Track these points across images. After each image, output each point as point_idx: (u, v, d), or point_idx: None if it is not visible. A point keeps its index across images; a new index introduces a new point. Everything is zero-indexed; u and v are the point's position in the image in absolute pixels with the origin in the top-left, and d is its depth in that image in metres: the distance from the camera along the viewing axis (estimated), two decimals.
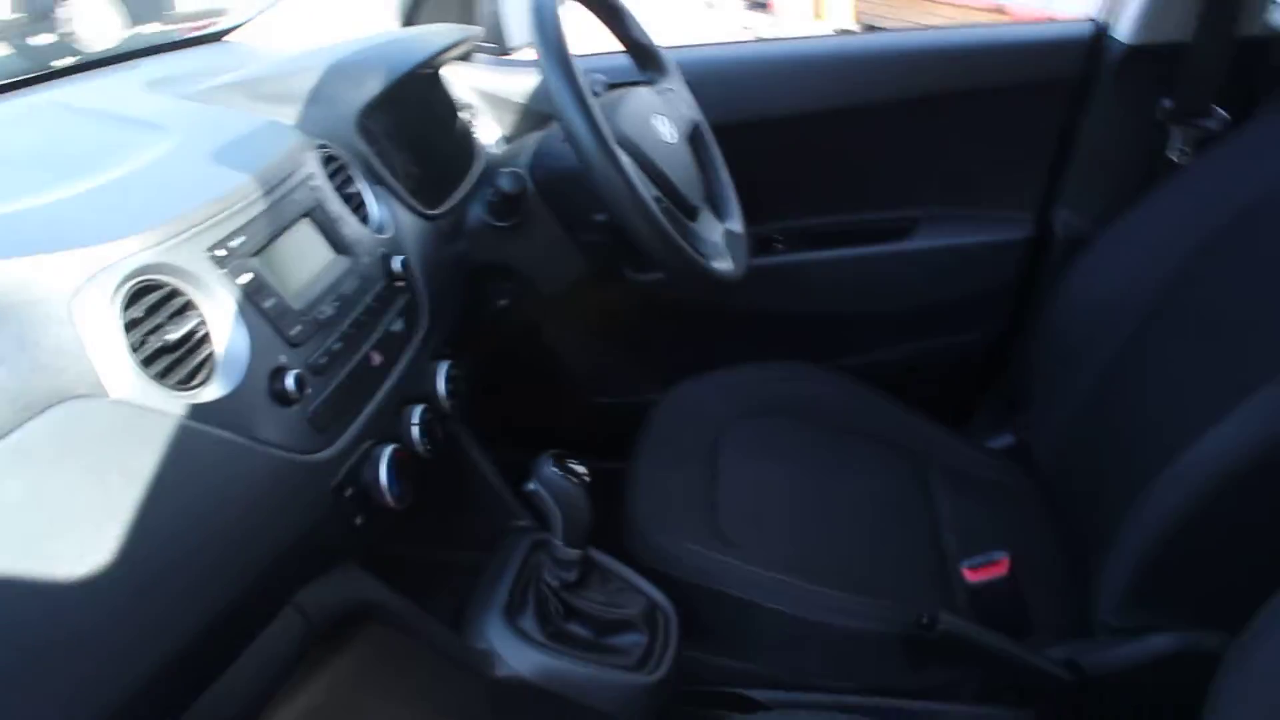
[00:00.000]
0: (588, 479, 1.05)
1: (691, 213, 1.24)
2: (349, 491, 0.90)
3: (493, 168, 1.29)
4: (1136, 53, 1.47)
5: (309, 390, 0.86)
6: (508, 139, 1.48)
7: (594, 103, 1.06)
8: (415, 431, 1.00)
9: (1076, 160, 1.56)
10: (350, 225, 1.00)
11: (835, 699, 1.19)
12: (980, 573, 1.18)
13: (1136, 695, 1.13)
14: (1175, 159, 1.46)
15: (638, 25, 1.33)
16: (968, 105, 1.55)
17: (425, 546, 1.22)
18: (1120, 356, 1.33)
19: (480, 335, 1.30)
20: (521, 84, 1.52)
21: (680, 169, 1.23)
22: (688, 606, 1.18)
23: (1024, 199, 1.62)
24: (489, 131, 1.45)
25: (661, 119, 1.25)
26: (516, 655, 1.06)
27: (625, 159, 1.07)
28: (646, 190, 1.09)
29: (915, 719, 1.20)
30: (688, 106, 1.35)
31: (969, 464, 1.48)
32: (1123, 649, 1.12)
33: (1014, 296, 1.65)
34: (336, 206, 0.99)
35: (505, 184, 1.17)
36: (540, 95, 1.50)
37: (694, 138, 1.34)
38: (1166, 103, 1.47)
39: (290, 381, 0.82)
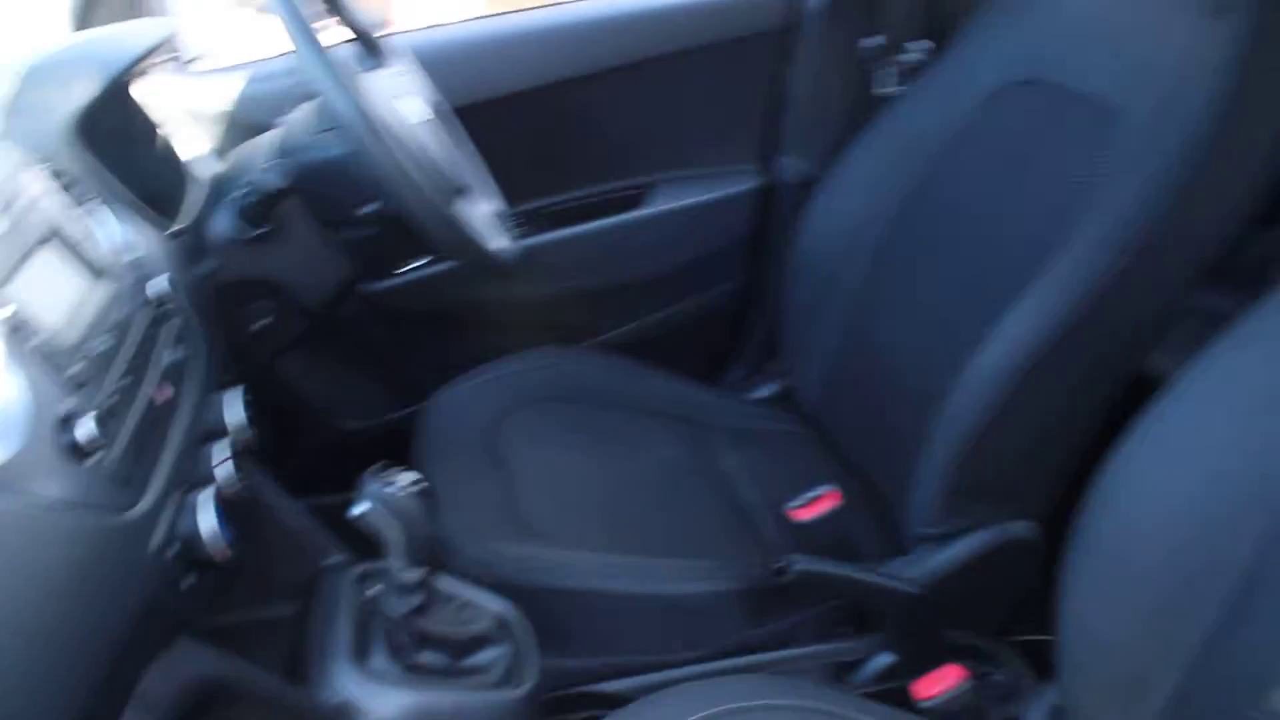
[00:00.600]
0: (424, 485, 0.95)
1: (460, 192, 1.16)
2: (172, 550, 0.77)
3: (228, 176, 1.15)
4: None
5: (105, 437, 0.71)
6: (219, 151, 1.34)
7: (355, 83, 0.97)
8: (226, 470, 0.87)
9: (792, 107, 1.61)
10: (99, 246, 0.85)
11: (691, 671, 1.17)
12: (810, 509, 1.20)
13: (965, 592, 1.18)
14: (887, 93, 1.54)
15: (359, 11, 1.24)
16: (682, 66, 1.56)
17: (235, 609, 1.07)
18: (868, 284, 1.39)
19: (245, 361, 1.15)
20: (218, 92, 1.38)
21: (440, 149, 1.15)
22: (527, 610, 1.11)
23: (748, 151, 1.66)
24: (193, 143, 1.30)
25: (408, 100, 1.16)
26: (377, 699, 0.95)
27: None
28: (423, 168, 1.01)
29: (770, 670, 1.20)
30: (425, 89, 1.27)
31: (742, 419, 1.51)
32: (946, 553, 1.18)
33: (752, 248, 1.69)
34: (79, 227, 0.84)
35: (259, 187, 1.04)
36: (249, 102, 1.36)
37: (440, 119, 1.26)
38: (870, 41, 1.55)
39: (85, 429, 0.68)
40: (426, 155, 1.10)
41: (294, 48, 0.96)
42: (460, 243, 1.06)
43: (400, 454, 1.27)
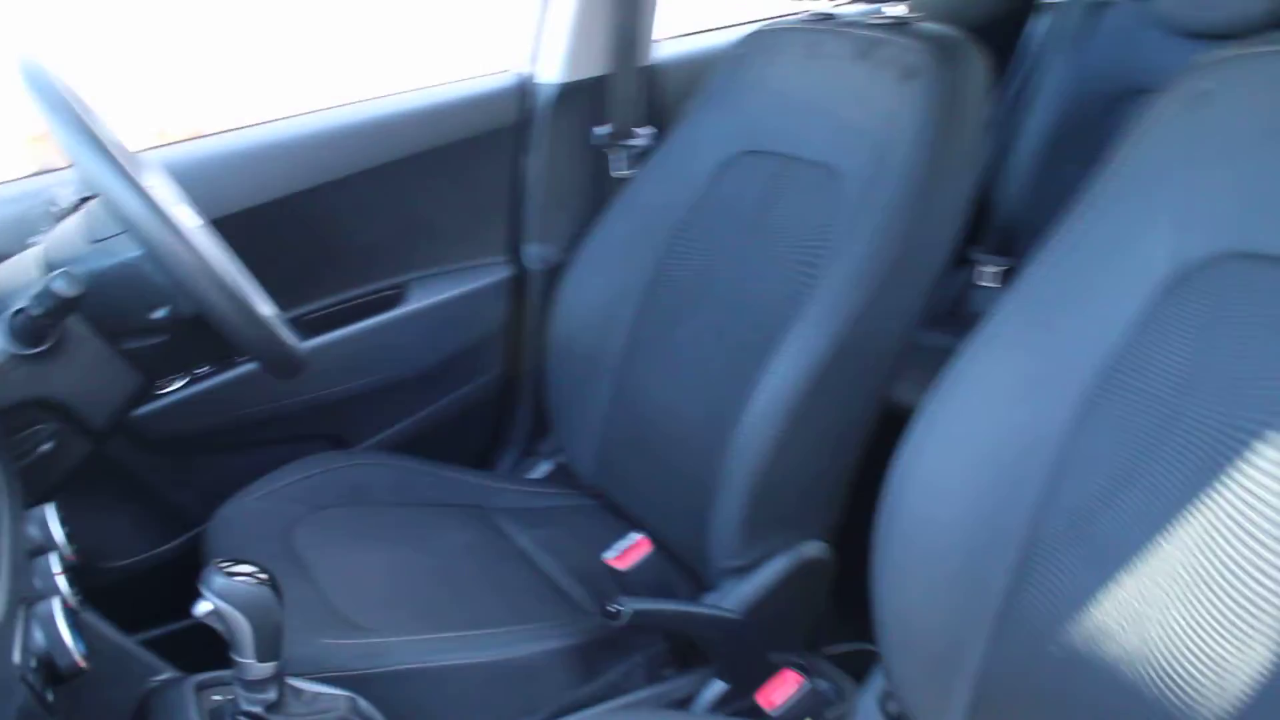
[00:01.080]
0: (266, 574, 0.92)
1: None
2: (32, 665, 0.72)
3: None
4: (564, 91, 1.65)
5: None
6: None
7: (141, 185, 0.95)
8: (63, 581, 0.82)
9: (533, 197, 1.70)
10: None
11: None
12: (625, 558, 1.25)
13: (776, 612, 1.28)
14: (623, 175, 1.66)
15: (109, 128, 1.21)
16: (426, 166, 1.62)
17: None
18: (629, 355, 1.48)
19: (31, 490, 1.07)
20: None
21: (223, 251, 1.14)
22: (370, 698, 1.09)
23: (497, 243, 1.72)
24: None
25: (179, 207, 1.14)
26: None
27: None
28: (223, 266, 1.00)
29: None
30: (183, 198, 1.25)
31: (525, 498, 1.56)
32: (753, 581, 1.27)
33: (510, 335, 1.74)
34: None
35: (39, 302, 0.99)
36: None
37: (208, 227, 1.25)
38: (601, 130, 1.67)
39: None
40: (220, 254, 1.09)
41: (76, 153, 0.93)
42: (268, 340, 1.05)
43: (182, 584, 1.22)
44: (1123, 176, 0.97)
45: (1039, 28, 2.19)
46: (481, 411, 1.77)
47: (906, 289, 1.28)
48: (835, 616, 1.39)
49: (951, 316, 2.22)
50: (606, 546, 1.34)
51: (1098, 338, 0.95)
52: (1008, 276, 2.11)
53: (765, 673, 1.26)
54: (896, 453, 1.04)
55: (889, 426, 1.23)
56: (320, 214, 1.54)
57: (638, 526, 1.42)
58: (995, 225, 2.21)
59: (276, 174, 1.50)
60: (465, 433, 1.76)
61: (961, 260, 1.98)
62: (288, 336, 1.11)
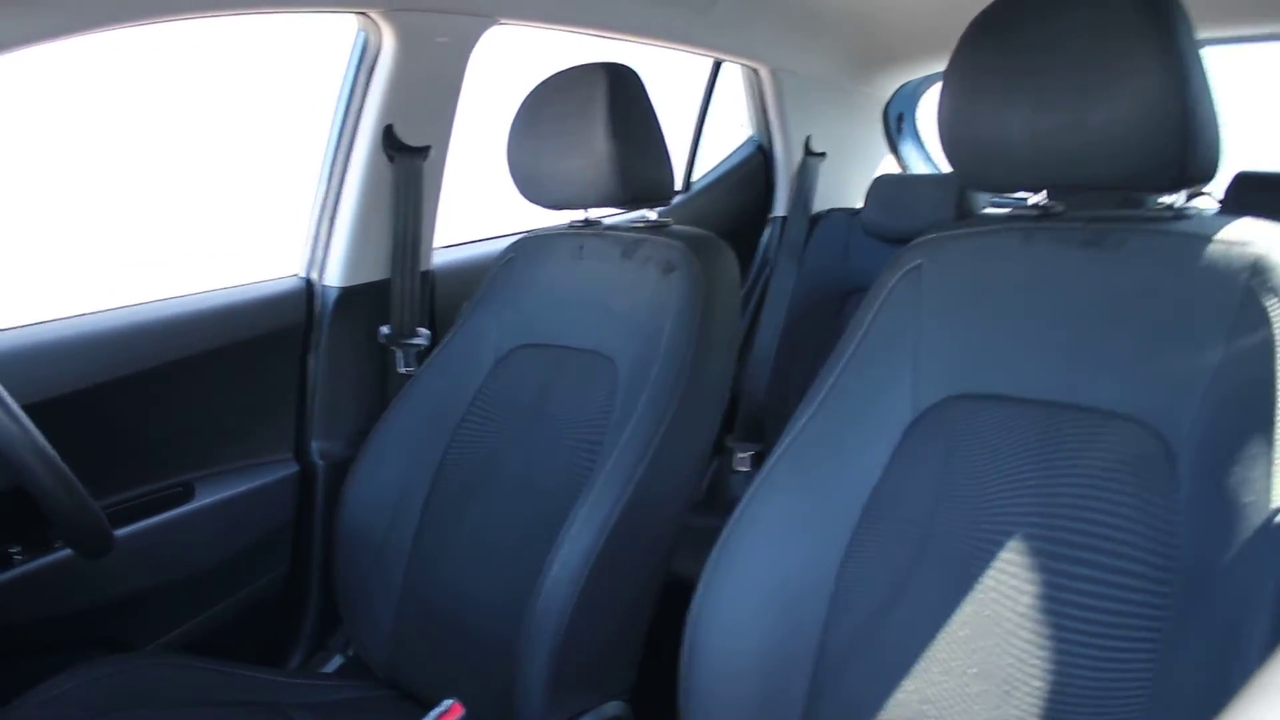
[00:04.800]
0: None
1: None
2: None
3: None
4: (348, 294, 1.73)
5: None
6: None
7: None
8: None
9: (318, 394, 1.75)
10: None
11: None
12: None
13: None
14: (405, 373, 1.75)
15: None
16: (213, 365, 1.64)
17: None
18: (420, 542, 1.54)
19: None
20: None
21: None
22: None
23: (283, 440, 1.75)
24: None
25: None
26: None
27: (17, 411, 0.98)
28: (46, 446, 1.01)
29: None
30: None
31: (317, 693, 1.54)
32: None
33: (296, 531, 1.75)
34: None
35: None
36: None
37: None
38: (385, 330, 1.76)
39: None
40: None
41: None
42: (83, 510, 1.05)
43: None
44: (865, 342, 1.15)
45: (769, 239, 2.48)
46: (269, 607, 1.74)
47: (682, 460, 1.41)
48: None
49: (712, 501, 2.39)
50: None
51: (858, 479, 1.10)
52: (757, 460, 2.31)
53: None
54: (691, 603, 1.15)
55: (672, 596, 1.35)
56: (107, 410, 1.53)
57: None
58: (743, 414, 2.43)
59: (62, 371, 1.49)
60: (253, 629, 1.72)
61: (717, 449, 2.16)
62: (100, 511, 1.12)
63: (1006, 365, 1.06)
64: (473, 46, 1.74)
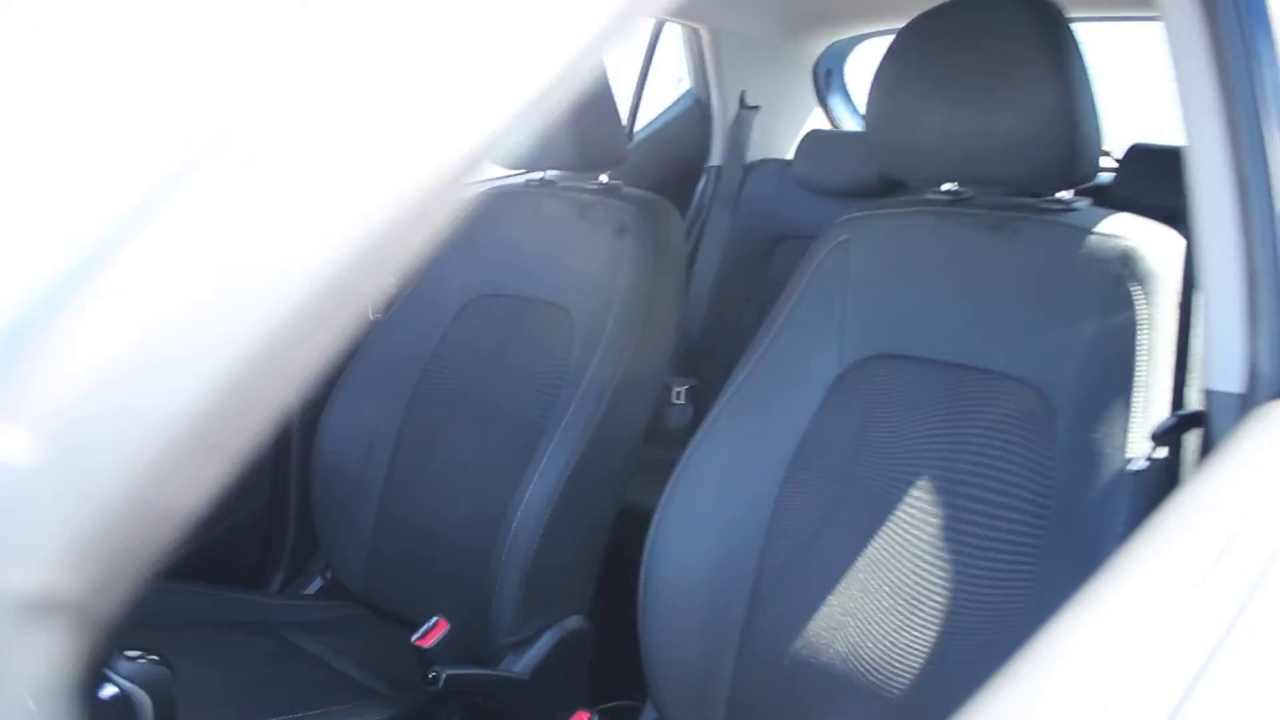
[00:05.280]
0: (156, 658, 1.04)
1: None
2: None
3: None
4: None
5: None
6: None
7: None
8: None
9: None
10: None
11: None
12: (430, 636, 1.44)
13: (554, 677, 1.51)
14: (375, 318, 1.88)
15: None
16: None
17: None
18: (394, 471, 1.70)
19: None
20: None
21: None
22: None
23: None
24: None
25: None
26: None
27: None
28: None
29: None
30: None
31: (303, 614, 1.71)
32: (531, 652, 1.50)
33: (275, 465, 1.89)
34: None
35: None
36: None
37: None
38: None
39: None
40: None
41: None
42: None
43: None
44: (798, 306, 1.33)
45: (705, 187, 2.63)
46: (250, 535, 1.89)
47: (635, 404, 1.58)
48: (603, 679, 1.64)
49: (652, 432, 2.57)
50: (389, 644, 1.53)
51: (790, 426, 1.29)
52: (691, 394, 2.49)
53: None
54: (648, 530, 1.33)
55: (627, 521, 1.53)
56: None
57: (415, 625, 1.61)
58: (679, 351, 2.60)
59: None
60: (235, 556, 1.87)
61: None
62: None
63: (919, 330, 1.25)
64: None
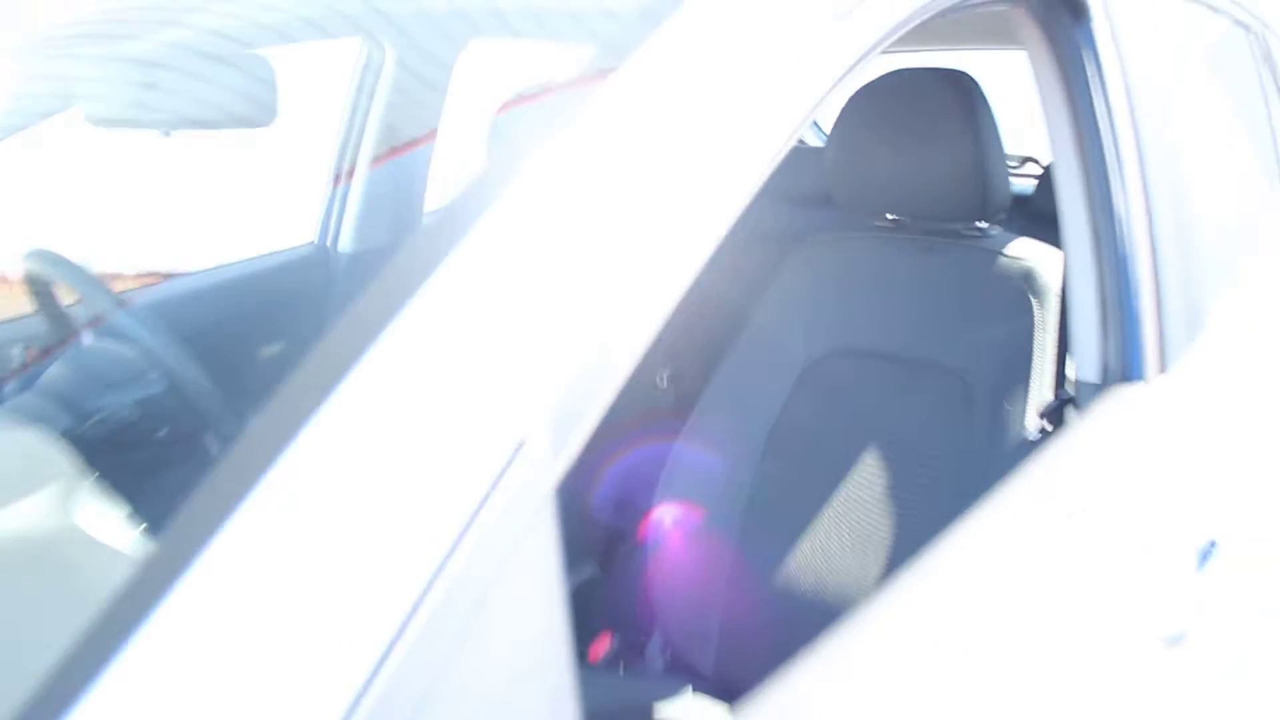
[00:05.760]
0: None
1: None
2: None
3: None
4: None
5: None
6: None
7: None
8: None
9: None
10: None
11: None
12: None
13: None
14: None
15: None
16: None
17: None
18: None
19: None
20: None
21: None
22: None
23: None
24: None
25: None
26: None
27: None
28: None
29: None
30: None
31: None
32: None
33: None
34: None
35: None
36: None
37: None
38: None
39: None
40: None
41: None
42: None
43: None
44: (770, 312, 1.65)
45: None
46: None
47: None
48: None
49: (644, 414, 2.91)
50: None
51: (766, 410, 1.61)
52: (672, 379, 2.80)
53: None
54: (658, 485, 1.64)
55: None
56: None
57: None
58: (661, 340, 2.91)
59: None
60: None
61: None
62: None
63: (869, 330, 1.57)
64: None
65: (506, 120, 1.56)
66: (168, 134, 1.29)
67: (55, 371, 1.41)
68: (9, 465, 1.06)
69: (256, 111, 1.30)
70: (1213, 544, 1.17)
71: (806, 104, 0.78)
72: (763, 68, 0.76)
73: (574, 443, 0.61)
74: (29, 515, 0.93)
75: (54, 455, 1.06)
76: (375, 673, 0.52)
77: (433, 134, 2.23)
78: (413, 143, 2.22)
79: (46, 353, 1.48)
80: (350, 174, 2.17)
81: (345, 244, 2.19)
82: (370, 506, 0.56)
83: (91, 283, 1.42)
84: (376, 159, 2.16)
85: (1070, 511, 1.04)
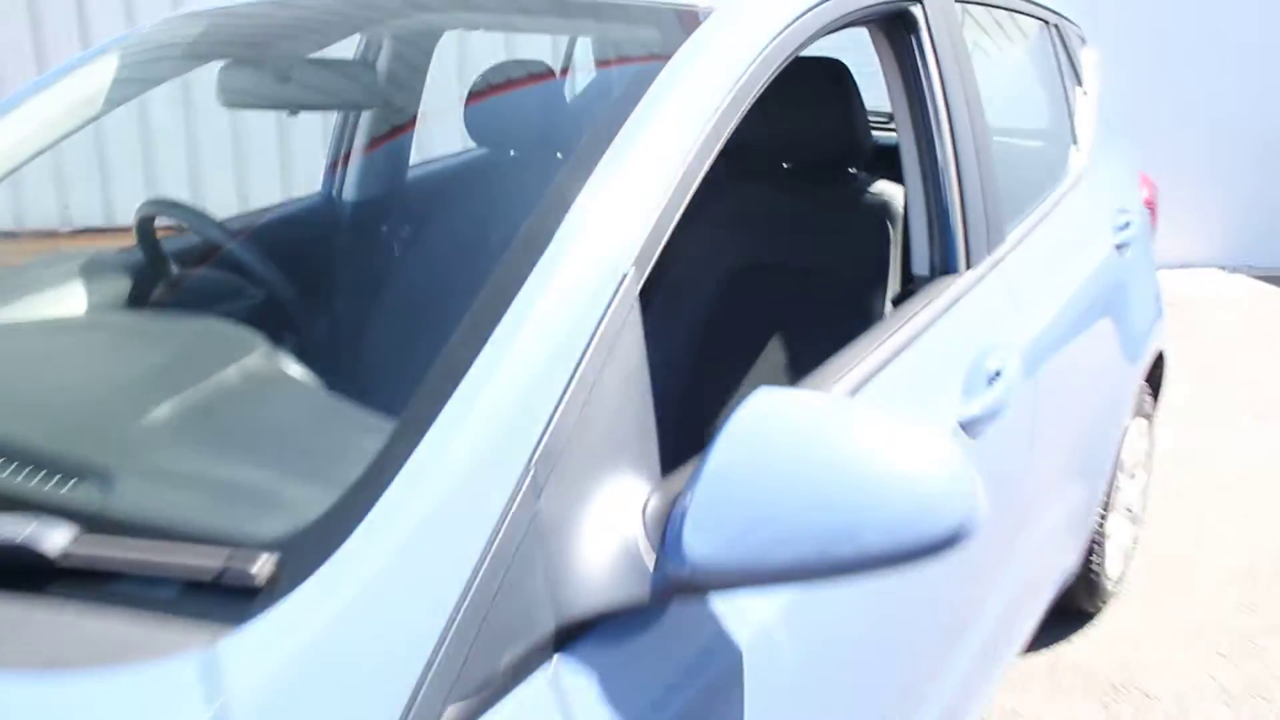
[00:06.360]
0: None
1: None
2: None
3: None
4: None
5: None
6: None
7: None
8: None
9: None
10: None
11: None
12: None
13: None
14: None
15: None
16: None
17: None
18: None
19: None
20: None
21: None
22: None
23: None
24: None
25: None
26: None
27: None
28: None
29: None
30: None
31: None
32: None
33: None
34: None
35: None
36: None
37: None
38: None
39: None
40: None
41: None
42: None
43: None
44: (702, 234, 2.24)
45: None
46: None
47: None
48: None
49: None
50: None
51: (702, 312, 2.21)
52: None
53: None
54: None
55: None
56: None
57: None
58: None
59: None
60: None
61: None
62: None
63: (774, 248, 2.18)
64: None
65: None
66: (294, 113, 1.81)
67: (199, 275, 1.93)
68: (211, 345, 1.57)
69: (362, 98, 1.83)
70: (998, 373, 1.79)
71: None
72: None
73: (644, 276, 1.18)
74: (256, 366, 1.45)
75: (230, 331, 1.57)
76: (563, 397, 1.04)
77: (414, 111, 2.75)
78: (402, 114, 2.74)
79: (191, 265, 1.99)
80: (352, 140, 2.69)
81: (348, 194, 2.70)
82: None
83: (202, 217, 1.94)
84: (375, 129, 2.68)
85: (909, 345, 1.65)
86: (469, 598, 0.88)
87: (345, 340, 1.83)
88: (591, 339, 1.05)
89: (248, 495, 1.06)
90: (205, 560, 0.87)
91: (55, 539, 0.90)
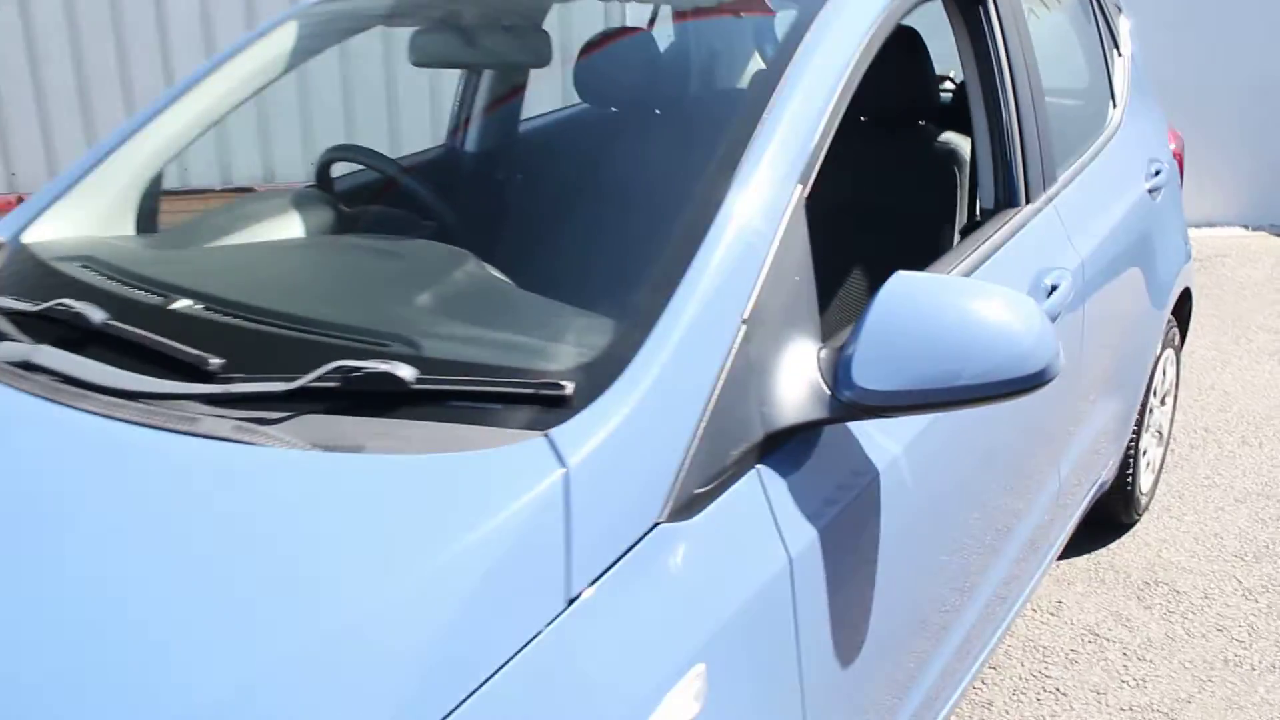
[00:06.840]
0: None
1: None
2: None
3: None
4: None
5: None
6: None
7: None
8: None
9: None
10: None
11: None
12: None
13: None
14: None
15: None
16: None
17: None
18: None
19: None
20: None
21: None
22: None
23: None
24: None
25: None
26: None
27: None
28: None
29: None
30: None
31: None
32: None
33: None
34: None
35: None
36: None
37: None
38: None
39: None
40: None
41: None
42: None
43: None
44: None
45: None
46: None
47: None
48: None
49: None
50: None
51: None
52: None
53: None
54: None
55: None
56: None
57: None
58: None
59: None
60: None
61: None
62: None
63: (859, 189, 2.53)
64: None
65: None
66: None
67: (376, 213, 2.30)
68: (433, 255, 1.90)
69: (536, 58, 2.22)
70: (1054, 286, 2.14)
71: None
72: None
73: None
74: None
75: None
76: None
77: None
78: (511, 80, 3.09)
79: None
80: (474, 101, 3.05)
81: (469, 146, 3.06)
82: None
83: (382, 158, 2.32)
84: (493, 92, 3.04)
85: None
86: (709, 408, 1.26)
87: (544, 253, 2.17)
88: (775, 235, 1.42)
89: (538, 345, 1.42)
90: (523, 387, 1.25)
91: (404, 371, 1.27)
